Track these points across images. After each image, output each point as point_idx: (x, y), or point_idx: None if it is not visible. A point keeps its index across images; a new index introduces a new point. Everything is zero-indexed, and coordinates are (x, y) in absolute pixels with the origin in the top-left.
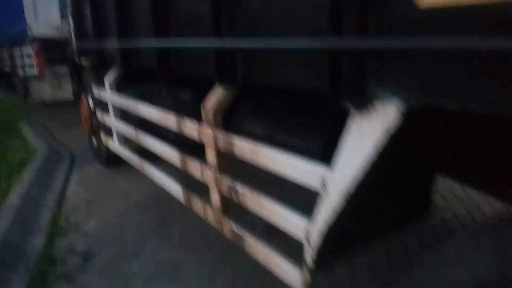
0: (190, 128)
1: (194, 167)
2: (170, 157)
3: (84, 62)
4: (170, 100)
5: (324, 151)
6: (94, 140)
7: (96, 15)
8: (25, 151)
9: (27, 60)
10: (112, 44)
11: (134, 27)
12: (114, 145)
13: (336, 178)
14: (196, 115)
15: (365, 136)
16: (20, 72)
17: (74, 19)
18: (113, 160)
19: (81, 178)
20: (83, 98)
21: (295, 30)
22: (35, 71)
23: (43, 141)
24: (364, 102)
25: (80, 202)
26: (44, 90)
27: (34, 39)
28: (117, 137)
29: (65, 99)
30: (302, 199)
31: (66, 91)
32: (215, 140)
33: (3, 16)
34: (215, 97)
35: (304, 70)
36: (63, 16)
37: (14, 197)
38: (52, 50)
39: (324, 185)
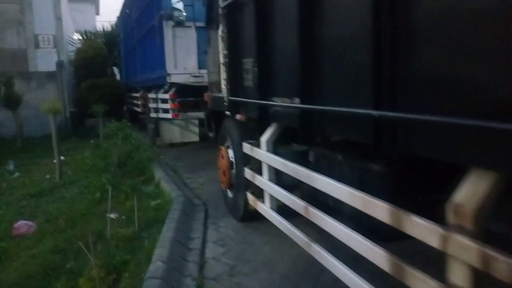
0: (422, 228)
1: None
2: (363, 248)
3: (237, 115)
4: (349, 169)
5: None
6: (230, 194)
7: (264, 72)
8: (159, 197)
9: (162, 104)
10: (285, 103)
11: (321, 88)
12: (265, 209)
13: None
14: (389, 195)
15: None
16: (153, 114)
17: (229, 71)
18: (249, 217)
19: (218, 236)
20: (223, 150)
21: None
22: (169, 115)
23: (174, 187)
24: None
25: (221, 269)
26: (173, 132)
27: (171, 85)
28: (270, 202)
29: (191, 141)
30: None
31: (194, 134)
32: (471, 253)
33: (145, 62)
34: (471, 188)
35: None
36: (200, 64)
37: (158, 261)
38: (186, 96)
39: None
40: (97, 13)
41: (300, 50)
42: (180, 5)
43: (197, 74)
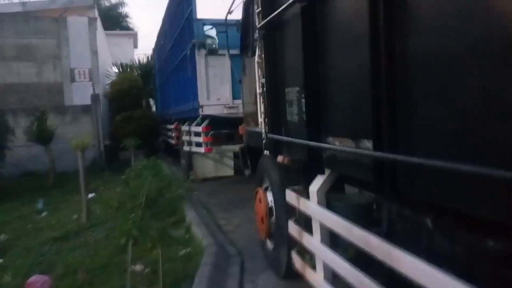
0: None
1: None
2: None
3: (279, 157)
4: (446, 244)
5: None
6: (269, 244)
7: (315, 105)
8: (189, 244)
9: (195, 138)
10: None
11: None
12: (318, 280)
13: None
14: None
15: None
16: (186, 147)
17: (267, 103)
18: (294, 275)
19: None
20: (260, 192)
21: None
22: (202, 149)
23: (206, 232)
24: None
25: None
26: (206, 166)
27: (204, 118)
28: (325, 272)
29: (226, 175)
30: None
31: (228, 167)
32: None
33: (178, 93)
34: None
35: None
36: (235, 94)
37: None
38: (220, 128)
39: None
40: (135, 46)
41: (374, 74)
42: (213, 32)
43: (231, 105)
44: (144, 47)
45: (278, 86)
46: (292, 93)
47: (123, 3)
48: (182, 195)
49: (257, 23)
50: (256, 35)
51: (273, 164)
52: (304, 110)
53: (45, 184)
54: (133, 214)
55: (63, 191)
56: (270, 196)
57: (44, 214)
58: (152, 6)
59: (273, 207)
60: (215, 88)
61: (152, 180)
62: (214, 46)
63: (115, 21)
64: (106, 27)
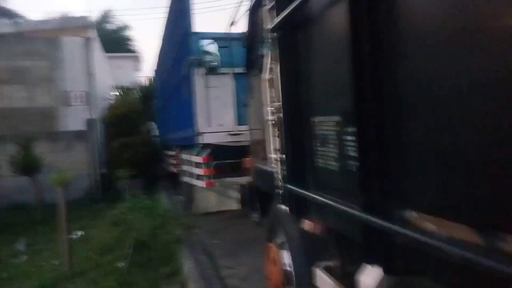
0: None
1: None
2: None
3: (304, 221)
4: None
5: None
6: None
7: (375, 147)
8: None
9: (196, 170)
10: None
11: None
12: None
13: None
14: None
15: None
16: (186, 178)
17: (285, 136)
18: None
19: None
20: (272, 250)
21: None
22: (203, 183)
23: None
24: None
25: None
26: (209, 199)
27: (205, 147)
28: None
29: (230, 209)
30: None
31: (233, 202)
32: None
33: (177, 118)
34: None
35: None
36: (240, 119)
37: None
38: (224, 158)
39: None
40: (138, 69)
41: None
42: (213, 48)
43: (235, 132)
44: (148, 70)
45: (302, 113)
46: (327, 125)
47: (128, 26)
48: (178, 238)
49: (268, 25)
50: (268, 37)
51: (292, 219)
52: (352, 154)
53: (33, 218)
54: (119, 264)
55: (51, 227)
56: (287, 257)
57: (23, 258)
58: (158, 31)
59: (293, 273)
60: (217, 112)
61: (145, 219)
62: (214, 63)
63: (119, 44)
64: (109, 49)
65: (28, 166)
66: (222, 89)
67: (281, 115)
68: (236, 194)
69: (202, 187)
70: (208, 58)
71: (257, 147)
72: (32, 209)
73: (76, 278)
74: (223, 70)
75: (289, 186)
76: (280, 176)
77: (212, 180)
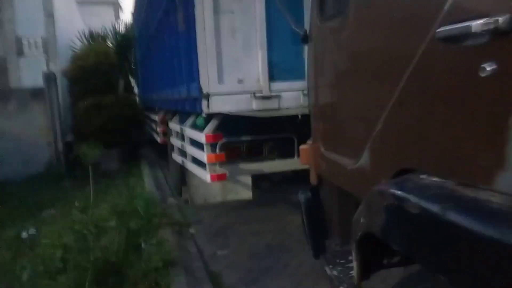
0: None
1: None
2: None
3: None
4: None
5: None
6: None
7: None
8: None
9: (193, 150)
10: None
11: None
12: None
13: None
14: None
15: None
16: (176, 157)
17: None
18: None
19: None
20: None
21: None
22: (206, 174)
23: None
24: None
25: None
26: (209, 189)
27: (210, 116)
28: None
29: (240, 199)
30: None
31: (244, 188)
32: None
33: (163, 68)
34: None
35: None
36: (273, 72)
37: None
38: (240, 131)
39: None
40: (117, 17)
41: None
42: None
43: (267, 94)
44: (128, 18)
45: None
46: None
47: None
48: (167, 260)
49: None
50: None
51: None
52: None
53: None
54: None
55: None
56: None
57: None
58: None
59: None
60: (234, 59)
61: (119, 229)
62: None
63: None
64: None
65: None
66: (244, 18)
67: None
68: (248, 179)
69: (204, 178)
70: None
71: (329, 126)
72: None
73: None
74: None
75: None
76: None
77: (219, 172)
